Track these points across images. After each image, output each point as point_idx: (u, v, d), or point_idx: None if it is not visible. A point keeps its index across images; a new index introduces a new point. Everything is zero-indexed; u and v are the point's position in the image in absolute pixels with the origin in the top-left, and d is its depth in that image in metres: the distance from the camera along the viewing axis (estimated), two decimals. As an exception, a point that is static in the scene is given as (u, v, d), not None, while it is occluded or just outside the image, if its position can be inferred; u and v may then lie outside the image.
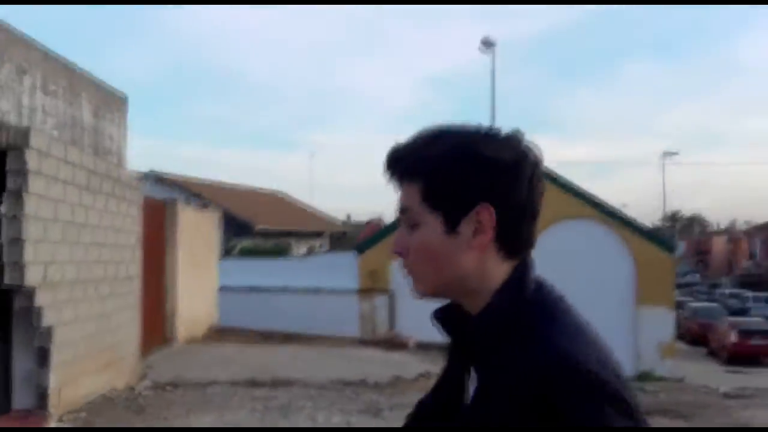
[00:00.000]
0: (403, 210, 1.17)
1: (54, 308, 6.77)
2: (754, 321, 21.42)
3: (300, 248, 27.49)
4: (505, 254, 1.13)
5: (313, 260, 20.27)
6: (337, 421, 6.88)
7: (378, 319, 16.63)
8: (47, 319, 6.64)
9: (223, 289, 14.54)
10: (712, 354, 21.28)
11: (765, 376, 14.31)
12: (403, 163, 1.17)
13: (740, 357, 18.61)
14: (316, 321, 15.16)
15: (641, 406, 1.05)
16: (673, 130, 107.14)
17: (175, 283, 11.75)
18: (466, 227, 1.12)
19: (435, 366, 9.93)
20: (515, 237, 1.13)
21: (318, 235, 30.51)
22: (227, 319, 14.17)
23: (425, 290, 1.18)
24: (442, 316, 1.22)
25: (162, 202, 11.68)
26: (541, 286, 1.14)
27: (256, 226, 24.40)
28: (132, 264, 9.08)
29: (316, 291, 16.75)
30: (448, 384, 1.24)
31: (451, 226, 1.12)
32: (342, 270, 17.31)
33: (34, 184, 6.45)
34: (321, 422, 6.84)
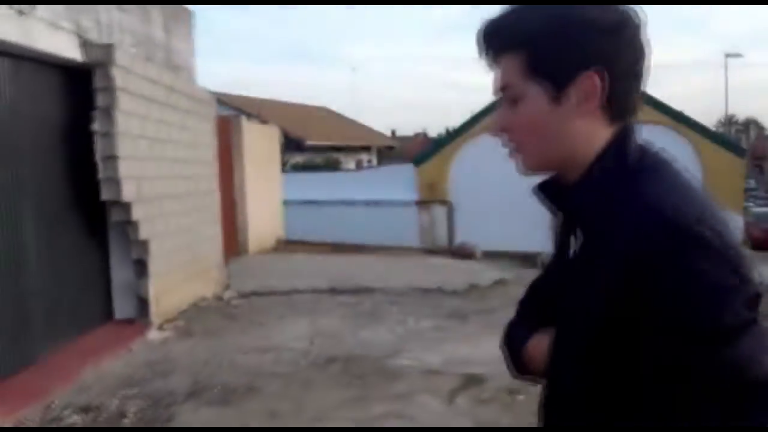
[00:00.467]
0: (503, 87, 1.14)
1: (148, 222, 6.96)
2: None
3: (348, 163, 27.58)
4: (610, 120, 1.11)
5: (370, 173, 20.36)
6: (427, 326, 7.05)
7: (437, 231, 16.76)
8: (143, 232, 6.85)
9: (284, 203, 14.78)
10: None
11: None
12: (502, 35, 1.13)
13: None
14: (375, 233, 15.33)
15: (752, 272, 1.00)
16: (726, 32, 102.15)
17: (245, 197, 11.97)
18: (572, 95, 1.09)
19: (508, 273, 10.06)
20: (621, 102, 1.11)
21: (366, 149, 30.48)
22: (290, 231, 14.45)
23: (533, 165, 1.17)
24: (543, 189, 1.22)
25: (228, 118, 11.74)
26: (646, 150, 1.12)
27: (306, 142, 24.45)
28: (210, 178, 9.23)
29: (376, 203, 16.87)
30: (558, 259, 1.25)
31: (557, 95, 1.10)
32: (398, 182, 17.37)
33: (122, 101, 6.51)
34: (412, 326, 7.01)
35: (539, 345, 1.23)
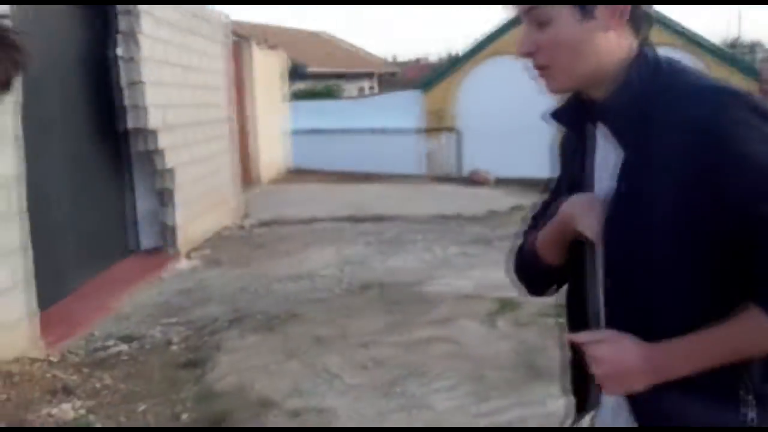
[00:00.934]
0: (529, 9, 1.17)
1: (172, 150, 6.90)
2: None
3: (350, 90, 27.17)
4: (635, 32, 1.17)
5: (374, 100, 20.07)
6: (454, 252, 7.11)
7: (445, 159, 16.69)
8: (169, 161, 6.79)
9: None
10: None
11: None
12: None
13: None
14: (382, 161, 15.28)
15: None
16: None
17: (256, 125, 11.84)
18: (602, 9, 1.13)
19: (523, 199, 10.07)
20: (642, 13, 1.17)
21: (368, 76, 29.99)
22: (296, 161, 14.39)
23: (564, 82, 1.20)
24: (558, 117, 1.28)
25: (238, 42, 11.47)
26: (669, 58, 1.19)
27: (307, 69, 24.02)
28: (226, 106, 9.11)
29: (382, 131, 16.73)
30: (568, 180, 1.31)
31: (588, 10, 1.13)
32: (403, 109, 17.16)
33: (145, 25, 6.34)
34: (438, 253, 7.07)
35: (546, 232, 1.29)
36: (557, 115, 1.28)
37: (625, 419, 1.21)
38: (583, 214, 1.21)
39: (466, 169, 15.18)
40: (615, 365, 1.14)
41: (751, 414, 1.10)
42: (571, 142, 1.32)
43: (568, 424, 1.39)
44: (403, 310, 5.24)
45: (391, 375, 4.02)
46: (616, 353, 1.14)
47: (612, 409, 1.25)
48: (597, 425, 1.31)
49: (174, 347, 4.71)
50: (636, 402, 1.17)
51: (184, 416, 3.63)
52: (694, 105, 1.08)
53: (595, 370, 1.16)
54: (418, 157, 17.06)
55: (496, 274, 6.10)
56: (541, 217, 1.39)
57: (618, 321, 1.19)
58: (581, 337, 1.21)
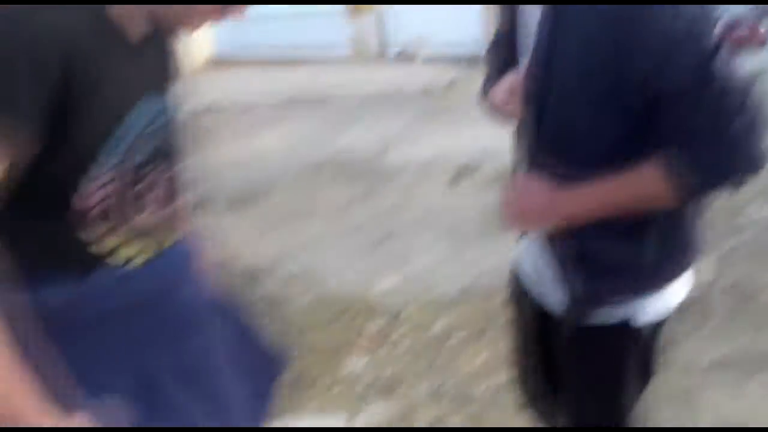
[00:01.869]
0: None
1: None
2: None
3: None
4: None
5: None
6: (401, 126, 7.22)
7: (369, 38, 16.43)
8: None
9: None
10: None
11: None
12: None
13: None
14: (304, 46, 14.94)
15: None
16: None
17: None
18: None
19: (459, 73, 10.19)
20: None
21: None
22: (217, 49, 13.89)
23: None
24: None
25: None
26: None
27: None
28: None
29: (301, 15, 16.22)
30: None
31: None
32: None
33: None
34: (387, 128, 7.17)
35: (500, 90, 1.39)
36: None
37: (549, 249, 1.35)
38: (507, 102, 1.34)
39: (393, 48, 15.05)
40: (521, 205, 1.28)
41: (652, 250, 1.25)
42: None
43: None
44: (365, 183, 5.39)
45: (370, 238, 4.21)
46: (524, 195, 1.27)
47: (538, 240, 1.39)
48: (527, 254, 1.47)
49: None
50: (552, 238, 1.31)
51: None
52: None
53: (504, 208, 1.31)
54: (341, 40, 16.75)
55: (447, 144, 6.30)
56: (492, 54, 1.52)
57: (539, 153, 1.29)
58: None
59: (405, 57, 13.27)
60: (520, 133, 1.39)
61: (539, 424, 1.76)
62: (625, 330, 1.33)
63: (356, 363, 2.91)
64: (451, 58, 12.69)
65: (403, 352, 2.99)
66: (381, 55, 15.39)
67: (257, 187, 5.41)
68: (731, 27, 19.92)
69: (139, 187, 1.04)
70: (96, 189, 0.98)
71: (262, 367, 1.27)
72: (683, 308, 3.27)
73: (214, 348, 1.13)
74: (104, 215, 1.00)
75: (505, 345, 2.96)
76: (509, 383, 2.70)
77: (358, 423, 2.51)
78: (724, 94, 1.08)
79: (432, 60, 12.49)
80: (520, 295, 1.54)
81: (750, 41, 20.06)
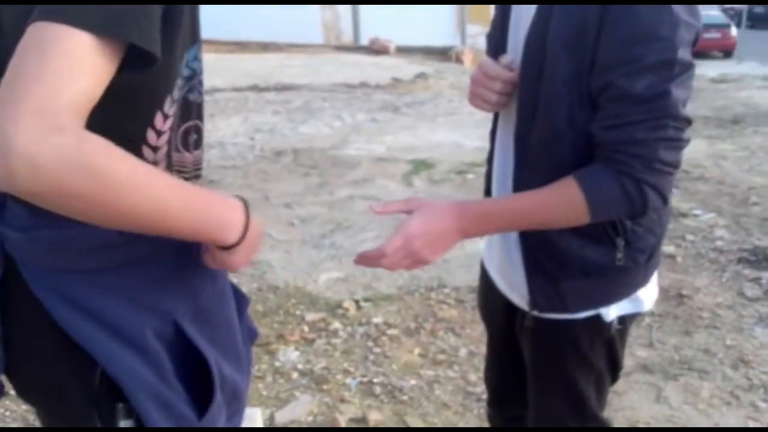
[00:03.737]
0: None
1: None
2: (707, 15, 21.66)
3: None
4: None
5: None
6: (363, 118, 7.24)
7: (342, 27, 16.37)
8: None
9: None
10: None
11: (727, 65, 15.17)
12: None
13: (693, 52, 19.24)
14: (277, 31, 14.83)
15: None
16: None
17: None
18: None
19: (426, 67, 10.22)
20: None
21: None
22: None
23: None
24: None
25: None
26: None
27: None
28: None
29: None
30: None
31: None
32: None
33: None
34: (348, 120, 7.18)
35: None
36: None
37: (517, 247, 1.33)
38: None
39: (365, 38, 15.02)
40: (426, 238, 1.17)
41: (619, 255, 1.24)
42: None
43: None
44: (320, 174, 5.40)
45: (318, 230, 4.22)
46: (425, 226, 1.17)
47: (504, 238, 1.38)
48: (493, 248, 1.46)
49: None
50: (525, 236, 1.29)
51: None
52: None
53: (413, 248, 1.17)
54: (314, 27, 16.64)
55: (406, 138, 6.33)
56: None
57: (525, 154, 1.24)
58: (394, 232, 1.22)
59: (376, 47, 13.28)
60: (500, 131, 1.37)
61: (497, 425, 1.76)
62: (594, 324, 1.32)
63: (291, 354, 2.93)
64: (423, 50, 12.75)
65: (337, 345, 3.01)
66: (353, 44, 15.38)
67: (211, 173, 5.38)
68: (702, 30, 20.06)
69: (186, 126, 1.01)
70: (163, 124, 0.95)
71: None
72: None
73: (230, 300, 1.12)
74: (167, 153, 0.98)
75: (437, 343, 3.02)
76: (438, 379, 2.76)
77: (283, 414, 2.53)
78: (668, 113, 1.09)
79: (403, 51, 12.53)
80: (488, 288, 1.53)
81: (719, 45, 20.30)
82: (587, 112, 1.13)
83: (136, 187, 0.78)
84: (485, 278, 1.56)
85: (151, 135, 0.94)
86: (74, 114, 0.74)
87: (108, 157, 0.76)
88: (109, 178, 0.75)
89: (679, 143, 1.11)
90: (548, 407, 1.45)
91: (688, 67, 1.11)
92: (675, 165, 1.12)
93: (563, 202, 1.15)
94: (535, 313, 1.33)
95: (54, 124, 0.71)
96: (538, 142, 1.20)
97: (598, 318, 1.31)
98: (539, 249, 1.27)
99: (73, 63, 0.74)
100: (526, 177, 1.22)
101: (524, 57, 1.19)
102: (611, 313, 1.32)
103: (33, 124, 0.70)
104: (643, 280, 1.34)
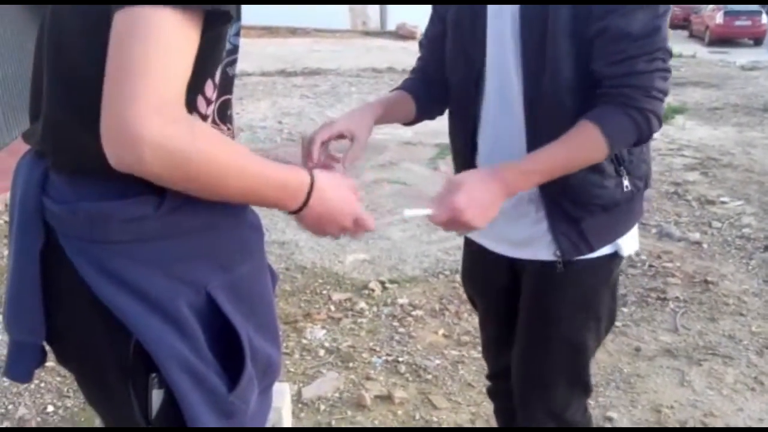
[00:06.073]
0: None
1: None
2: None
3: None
4: None
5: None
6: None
7: (369, 12, 16.35)
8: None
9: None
10: (693, 36, 21.61)
11: (758, 53, 14.90)
12: None
13: (724, 38, 19.03)
14: (304, 16, 14.86)
15: None
16: None
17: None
18: None
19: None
20: None
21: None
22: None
23: None
24: None
25: None
26: None
27: None
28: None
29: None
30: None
31: None
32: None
33: None
34: (375, 104, 7.21)
35: None
36: None
37: (533, 200, 1.39)
38: None
39: (392, 24, 15.01)
40: (475, 209, 1.21)
41: (626, 182, 1.35)
42: None
43: None
44: (347, 157, 5.44)
45: (344, 212, 4.27)
46: (472, 197, 1.21)
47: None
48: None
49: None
50: (544, 187, 1.34)
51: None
52: None
53: (463, 219, 1.21)
54: (341, 11, 16.66)
55: (432, 123, 6.32)
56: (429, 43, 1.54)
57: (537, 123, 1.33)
58: (438, 206, 1.25)
59: (403, 32, 13.25)
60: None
61: (498, 400, 1.79)
62: (614, 260, 1.42)
63: (318, 332, 2.99)
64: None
65: (363, 324, 3.06)
66: (379, 29, 15.37)
67: (240, 156, 5.46)
68: (732, 17, 19.69)
69: (223, 98, 1.04)
70: (213, 92, 0.98)
71: None
72: (643, 295, 3.35)
73: (267, 277, 1.14)
74: (211, 123, 1.01)
75: (462, 324, 3.06)
76: (463, 359, 2.80)
77: (310, 390, 2.59)
78: (661, 46, 1.21)
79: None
80: (480, 260, 1.57)
81: (749, 32, 19.92)
82: (586, 58, 1.24)
83: (234, 167, 0.88)
84: (473, 252, 1.61)
85: (201, 102, 0.97)
86: (181, 102, 0.83)
87: (213, 141, 0.86)
88: (217, 161, 0.86)
89: (668, 73, 1.24)
90: (545, 357, 1.48)
91: (668, 5, 1.24)
92: (666, 92, 1.25)
93: (587, 144, 1.24)
94: (561, 258, 1.38)
95: (171, 116, 0.81)
96: (551, 98, 1.28)
97: (615, 254, 1.41)
98: (561, 195, 1.34)
99: (170, 50, 0.81)
100: (542, 135, 1.28)
101: (524, 21, 1.27)
102: (625, 248, 1.42)
103: (155, 118, 0.79)
104: (640, 210, 1.46)
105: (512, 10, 1.29)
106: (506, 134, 1.38)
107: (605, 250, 1.40)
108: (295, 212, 1.01)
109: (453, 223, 1.23)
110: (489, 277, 1.61)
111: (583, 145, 1.25)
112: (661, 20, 1.21)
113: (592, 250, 1.38)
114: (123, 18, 0.81)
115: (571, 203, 1.34)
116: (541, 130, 1.31)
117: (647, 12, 1.19)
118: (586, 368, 1.51)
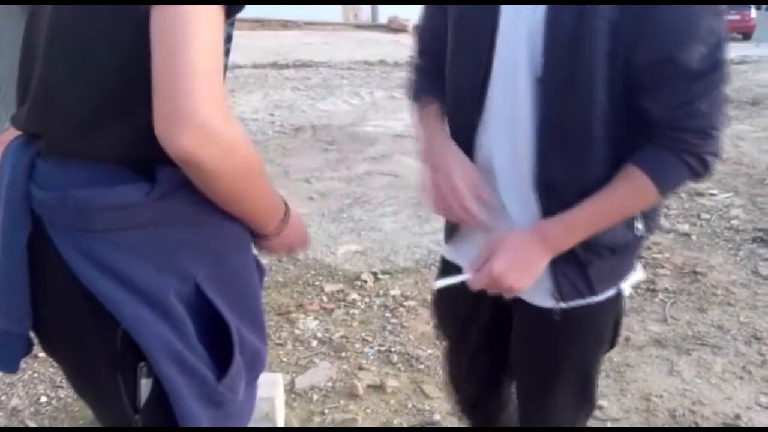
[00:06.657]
0: None
1: None
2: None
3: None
4: None
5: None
6: (381, 96, 7.26)
7: (361, 5, 16.31)
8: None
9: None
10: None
11: (746, 48, 14.98)
12: None
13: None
14: (296, 9, 14.81)
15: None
16: None
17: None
18: None
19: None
20: None
21: None
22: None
23: None
24: None
25: None
26: None
27: None
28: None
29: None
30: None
31: None
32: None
33: None
34: (366, 98, 7.21)
35: None
36: None
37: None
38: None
39: (383, 17, 14.99)
40: (515, 273, 1.15)
41: (639, 225, 1.24)
42: None
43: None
44: (339, 149, 5.44)
45: (336, 204, 4.29)
46: (510, 260, 1.15)
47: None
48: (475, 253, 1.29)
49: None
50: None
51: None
52: None
53: (504, 285, 1.16)
54: (334, 5, 16.61)
55: (424, 116, 6.35)
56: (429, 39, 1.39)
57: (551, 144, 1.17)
58: (476, 271, 1.19)
59: (395, 25, 13.23)
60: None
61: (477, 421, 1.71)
62: (615, 301, 1.32)
63: (310, 323, 3.00)
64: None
65: (356, 315, 3.08)
66: (371, 23, 15.35)
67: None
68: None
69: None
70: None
71: None
72: (632, 285, 3.39)
73: (254, 270, 1.14)
74: None
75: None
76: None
77: (303, 380, 2.60)
78: (723, 82, 1.10)
79: (420, 30, 12.48)
80: (462, 296, 1.35)
81: (738, 27, 20.05)
82: (621, 83, 1.09)
83: (259, 173, 0.96)
84: (455, 288, 1.32)
85: None
86: (226, 102, 0.88)
87: (246, 143, 0.91)
88: (253, 160, 0.92)
89: (727, 104, 1.13)
90: (556, 401, 1.40)
91: (726, 34, 1.10)
92: (726, 123, 1.13)
93: (635, 193, 1.14)
94: (561, 304, 1.27)
95: (227, 116, 0.86)
96: (572, 119, 1.13)
97: (618, 295, 1.31)
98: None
99: (209, 47, 0.84)
100: (556, 162, 1.16)
101: (550, 29, 1.09)
102: (627, 286, 1.32)
103: (219, 118, 0.84)
104: (642, 246, 1.35)
105: (528, 23, 1.12)
106: (509, 161, 1.23)
107: (608, 294, 1.30)
108: (270, 234, 1.09)
109: (493, 288, 1.18)
110: (471, 314, 1.47)
111: (632, 196, 1.15)
112: (720, 52, 1.07)
113: (593, 294, 1.27)
114: (161, 17, 0.82)
115: (580, 245, 1.20)
116: (554, 156, 1.16)
117: (705, 44, 1.05)
118: (595, 388, 1.44)
